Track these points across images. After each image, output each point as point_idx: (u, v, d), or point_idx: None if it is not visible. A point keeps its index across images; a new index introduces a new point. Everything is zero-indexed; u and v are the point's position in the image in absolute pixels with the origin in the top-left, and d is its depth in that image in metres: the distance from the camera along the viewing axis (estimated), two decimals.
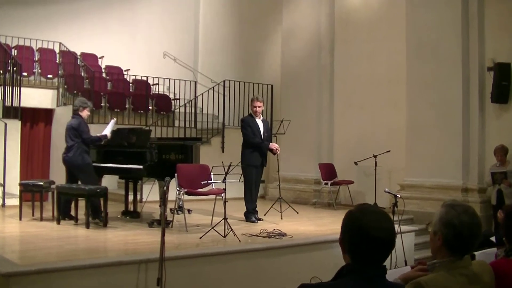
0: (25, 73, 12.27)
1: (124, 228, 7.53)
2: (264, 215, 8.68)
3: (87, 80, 12.95)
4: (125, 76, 14.21)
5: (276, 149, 8.55)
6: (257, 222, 8.23)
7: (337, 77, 11.69)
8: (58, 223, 7.57)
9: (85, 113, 8.08)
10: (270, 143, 8.58)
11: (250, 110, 8.76)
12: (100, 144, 8.17)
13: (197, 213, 9.00)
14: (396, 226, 6.72)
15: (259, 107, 8.54)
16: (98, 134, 8.06)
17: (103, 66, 14.30)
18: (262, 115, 8.72)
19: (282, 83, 12.49)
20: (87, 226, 7.25)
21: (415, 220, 9.05)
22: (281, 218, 8.64)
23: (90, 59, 14.00)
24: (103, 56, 14.38)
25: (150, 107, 13.47)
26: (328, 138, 11.69)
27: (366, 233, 2.06)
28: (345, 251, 2.15)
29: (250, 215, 8.36)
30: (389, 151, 10.02)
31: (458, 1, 9.14)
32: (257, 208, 8.55)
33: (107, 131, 8.08)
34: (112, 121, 8.38)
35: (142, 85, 13.75)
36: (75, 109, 8.07)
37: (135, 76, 13.89)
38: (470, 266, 2.43)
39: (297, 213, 8.59)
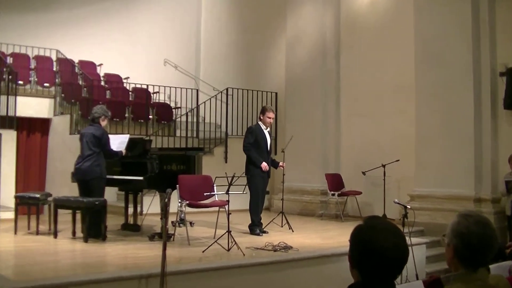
0: (21, 82, 12.32)
1: (124, 241, 7.51)
2: (263, 228, 8.60)
3: (85, 89, 12.97)
4: (125, 84, 14.24)
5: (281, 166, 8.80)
6: (261, 235, 8.20)
7: (343, 84, 11.69)
8: (55, 237, 7.55)
9: (105, 123, 7.97)
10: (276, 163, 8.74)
11: (258, 120, 8.68)
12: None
13: (199, 225, 8.98)
14: (407, 239, 6.68)
15: (272, 118, 8.60)
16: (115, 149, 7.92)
17: (101, 74, 14.33)
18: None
19: (287, 90, 12.49)
20: (85, 240, 7.21)
21: (426, 232, 8.98)
22: (292, 231, 8.61)
23: (88, 67, 14.04)
24: (101, 64, 14.42)
25: (151, 116, 13.49)
26: (335, 147, 11.68)
27: (377, 251, 2.04)
28: (353, 266, 2.13)
29: (255, 227, 8.34)
30: (398, 160, 10.00)
31: (467, 6, 9.13)
32: (261, 221, 8.54)
33: (122, 147, 7.94)
34: (125, 137, 8.22)
35: (142, 93, 13.77)
36: (97, 116, 7.83)
37: (135, 84, 13.91)
38: (486, 279, 2.41)
39: (293, 231, 8.58)
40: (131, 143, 8.18)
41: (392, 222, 2.19)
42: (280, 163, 8.86)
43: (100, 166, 7.63)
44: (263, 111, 8.60)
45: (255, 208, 8.37)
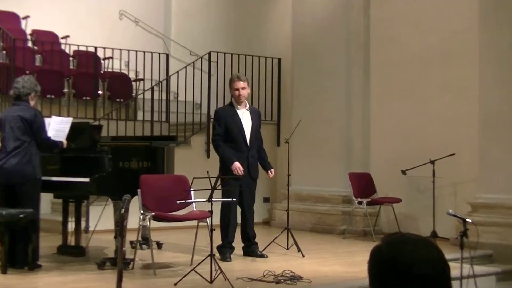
0: None
1: (62, 271, 7.51)
2: (262, 251, 8.67)
3: (4, 52, 12.93)
4: (63, 46, 14.21)
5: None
6: (230, 261, 8.16)
7: (375, 49, 11.69)
8: None
9: (34, 102, 7.93)
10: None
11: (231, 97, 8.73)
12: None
13: (170, 247, 9.05)
14: (467, 266, 6.63)
15: (242, 89, 8.45)
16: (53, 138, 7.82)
17: (28, 31, 14.29)
18: (248, 102, 8.73)
19: (295, 56, 12.51)
20: (4, 271, 7.16)
21: (495, 257, 9.00)
22: (302, 255, 8.67)
23: (9, 20, 13.95)
24: (28, 16, 14.35)
25: (101, 92, 13.50)
26: (363, 136, 11.69)
27: (406, 272, 2.06)
28: None
29: (225, 250, 8.31)
30: (453, 154, 10.00)
31: None
32: (256, 239, 8.64)
33: (61, 136, 7.86)
34: (66, 121, 8.16)
35: (88, 59, 13.72)
36: (24, 93, 7.68)
37: (78, 46, 13.86)
38: None
39: (303, 256, 8.62)
40: (73, 131, 8.13)
41: (419, 235, 2.21)
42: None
43: (32, 163, 7.51)
44: (229, 82, 8.66)
45: (225, 224, 8.33)
